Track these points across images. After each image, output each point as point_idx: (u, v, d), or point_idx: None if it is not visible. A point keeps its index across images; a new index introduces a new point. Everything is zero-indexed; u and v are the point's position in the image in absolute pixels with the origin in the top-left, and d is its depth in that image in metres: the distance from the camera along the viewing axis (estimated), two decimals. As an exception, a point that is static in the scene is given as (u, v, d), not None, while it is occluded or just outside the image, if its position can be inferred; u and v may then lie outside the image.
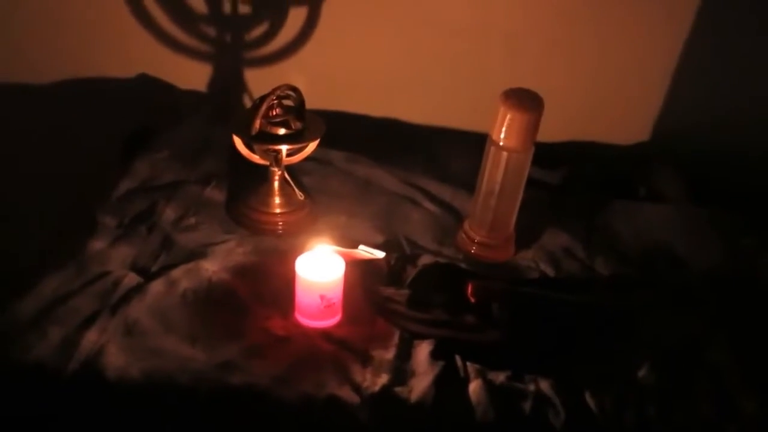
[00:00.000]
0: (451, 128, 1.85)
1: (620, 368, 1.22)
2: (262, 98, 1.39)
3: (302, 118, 1.42)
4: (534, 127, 1.33)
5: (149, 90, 1.85)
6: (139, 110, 1.80)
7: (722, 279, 1.40)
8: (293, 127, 1.41)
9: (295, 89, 1.42)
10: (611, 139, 1.83)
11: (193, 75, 1.83)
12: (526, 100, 1.32)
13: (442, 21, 1.74)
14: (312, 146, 1.46)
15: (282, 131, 1.40)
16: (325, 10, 1.75)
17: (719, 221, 1.51)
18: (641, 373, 1.21)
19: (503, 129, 1.33)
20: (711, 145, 1.75)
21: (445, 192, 1.59)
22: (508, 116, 1.32)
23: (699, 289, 1.38)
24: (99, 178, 1.60)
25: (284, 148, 1.40)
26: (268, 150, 1.42)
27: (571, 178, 1.64)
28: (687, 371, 1.23)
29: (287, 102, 1.42)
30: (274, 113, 1.40)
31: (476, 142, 1.75)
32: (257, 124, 1.38)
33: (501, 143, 1.34)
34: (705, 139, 1.76)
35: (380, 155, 1.68)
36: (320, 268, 1.25)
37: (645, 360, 1.22)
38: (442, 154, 1.71)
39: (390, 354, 1.21)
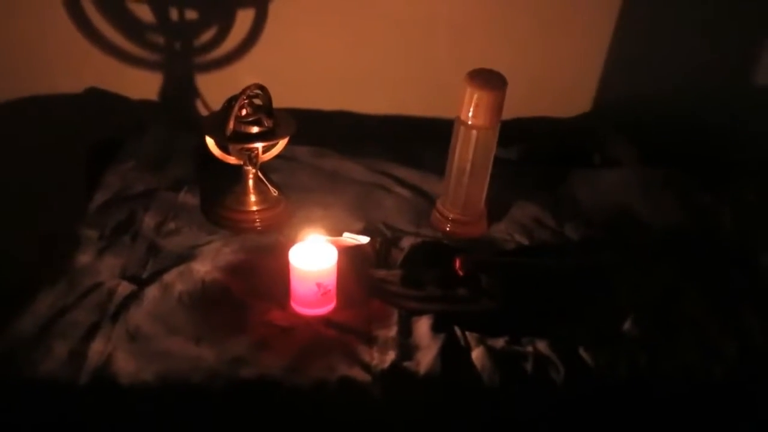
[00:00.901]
0: (404, 116, 1.89)
1: (605, 324, 1.29)
2: (233, 99, 1.41)
3: (272, 116, 1.45)
4: (500, 104, 1.40)
5: (100, 103, 1.83)
6: (92, 124, 1.80)
7: (682, 235, 1.49)
8: (266, 125, 1.43)
9: (262, 88, 1.44)
10: (555, 113, 1.91)
11: (144, 85, 1.83)
12: (491, 80, 1.38)
13: (388, 13, 1.79)
14: (283, 143, 1.49)
15: (255, 130, 1.43)
16: (272, 10, 1.77)
17: (674, 181, 1.61)
18: (625, 326, 1.28)
19: (471, 108, 1.39)
20: (647, 113, 1.85)
21: (413, 176, 1.64)
22: (476, 95, 1.38)
23: (663, 245, 1.46)
24: (64, 192, 1.60)
25: (260, 146, 1.43)
26: (243, 149, 1.44)
27: (527, 152, 1.72)
28: (667, 322, 1.31)
29: (257, 101, 1.44)
30: (245, 113, 1.42)
31: (431, 128, 1.83)
32: (231, 124, 1.40)
33: (470, 122, 1.40)
34: (642, 108, 1.85)
35: (342, 147, 1.72)
36: (314, 257, 1.28)
37: (627, 315, 1.30)
38: (401, 142, 1.76)
39: (392, 332, 1.25)
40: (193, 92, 1.85)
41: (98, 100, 1.83)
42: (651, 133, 1.78)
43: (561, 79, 1.87)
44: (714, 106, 1.83)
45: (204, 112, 1.86)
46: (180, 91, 1.85)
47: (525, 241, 1.48)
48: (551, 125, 1.88)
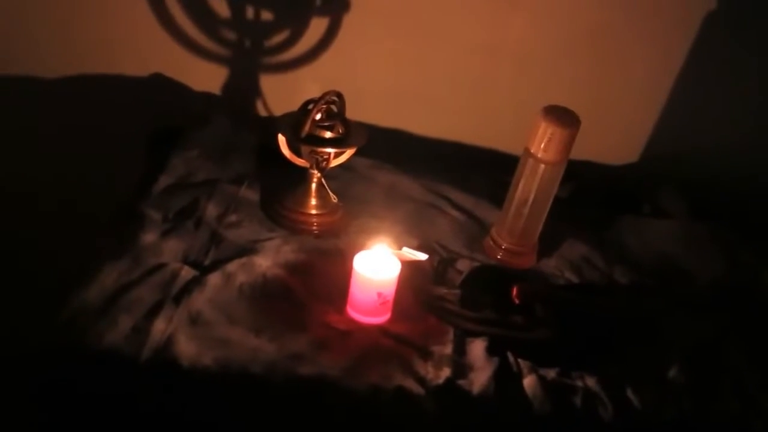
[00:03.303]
0: (456, 141, 1.92)
1: (652, 367, 1.32)
2: (311, 102, 1.44)
3: (346, 124, 1.48)
4: (571, 142, 1.43)
5: (162, 89, 1.85)
6: (152, 109, 1.82)
7: (727, 289, 1.52)
8: (339, 131, 1.46)
9: (339, 95, 1.47)
10: (604, 159, 1.94)
11: (207, 77, 1.85)
12: (566, 117, 1.42)
13: (455, 40, 1.82)
14: (351, 152, 1.52)
15: (328, 135, 1.45)
16: (345, 23, 1.80)
17: (719, 237, 1.65)
18: (671, 373, 1.31)
19: (543, 142, 1.42)
20: (696, 170, 1.88)
21: (467, 201, 1.67)
22: (550, 131, 1.41)
23: (708, 297, 1.49)
24: (124, 173, 1.62)
25: (332, 151, 1.45)
26: (314, 152, 1.46)
27: (579, 193, 1.75)
28: (711, 372, 1.33)
29: (333, 107, 1.46)
30: (321, 117, 1.45)
31: (484, 157, 1.86)
32: (307, 126, 1.42)
33: (540, 155, 1.43)
34: (691, 164, 1.89)
35: (398, 164, 1.74)
36: (378, 266, 1.30)
37: (672, 361, 1.32)
38: (456, 166, 1.79)
39: (448, 349, 1.28)
40: (255, 91, 1.87)
41: (161, 86, 1.85)
42: (698, 189, 1.81)
43: (614, 126, 1.90)
44: (763, 169, 1.86)
45: (263, 112, 1.88)
46: (242, 88, 1.87)
47: (574, 279, 1.51)
48: (600, 171, 1.91)
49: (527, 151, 1.45)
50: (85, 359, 1.14)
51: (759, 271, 1.58)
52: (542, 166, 1.44)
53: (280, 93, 1.86)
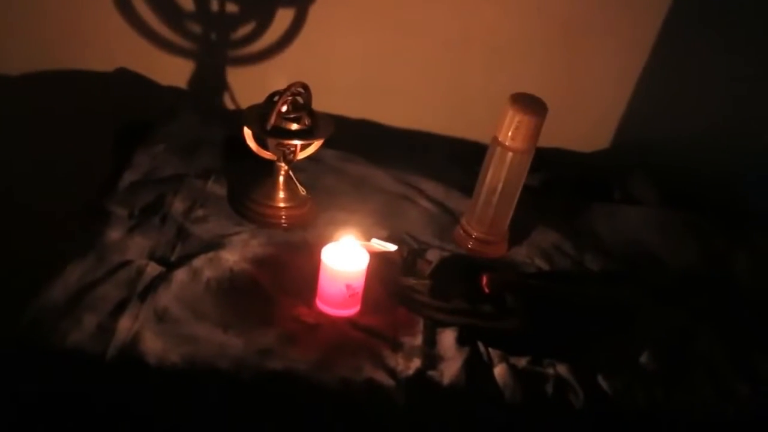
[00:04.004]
0: (426, 132, 1.91)
1: (623, 355, 1.32)
2: (277, 93, 1.43)
3: (312, 116, 1.46)
4: (539, 130, 1.42)
5: (128, 84, 1.83)
6: (119, 104, 1.80)
7: (699, 277, 1.53)
8: (306, 123, 1.45)
9: (305, 87, 1.46)
10: (575, 146, 1.94)
11: (174, 71, 1.84)
12: (533, 104, 1.41)
13: (427, 30, 1.81)
14: (318, 143, 1.51)
15: (295, 127, 1.44)
16: (312, 14, 1.79)
17: (691, 223, 1.65)
18: (643, 359, 1.31)
19: (510, 130, 1.41)
20: (665, 157, 1.89)
21: (438, 191, 1.66)
22: (517, 118, 1.40)
23: (681, 285, 1.49)
24: (90, 170, 1.60)
25: (299, 143, 1.44)
26: (281, 145, 1.45)
27: (549, 181, 1.74)
28: (682, 359, 1.33)
29: (299, 99, 1.45)
30: (287, 109, 1.43)
31: (456, 147, 1.85)
32: (273, 119, 1.41)
33: (507, 144, 1.42)
34: (660, 152, 1.89)
35: (368, 155, 1.73)
36: (346, 259, 1.29)
37: (643, 348, 1.32)
38: (428, 157, 1.78)
39: (418, 340, 1.27)
40: (222, 85, 1.85)
41: (127, 80, 1.83)
42: (667, 176, 1.81)
43: (584, 114, 1.90)
44: (732, 157, 1.87)
45: (230, 105, 1.86)
46: (209, 82, 1.85)
47: (545, 266, 1.51)
48: (570, 158, 1.90)
49: (495, 139, 1.45)
50: (48, 359, 1.12)
51: (730, 257, 1.58)
52: (510, 154, 1.43)
53: (248, 86, 1.84)
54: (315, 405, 1.16)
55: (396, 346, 1.25)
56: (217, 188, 1.55)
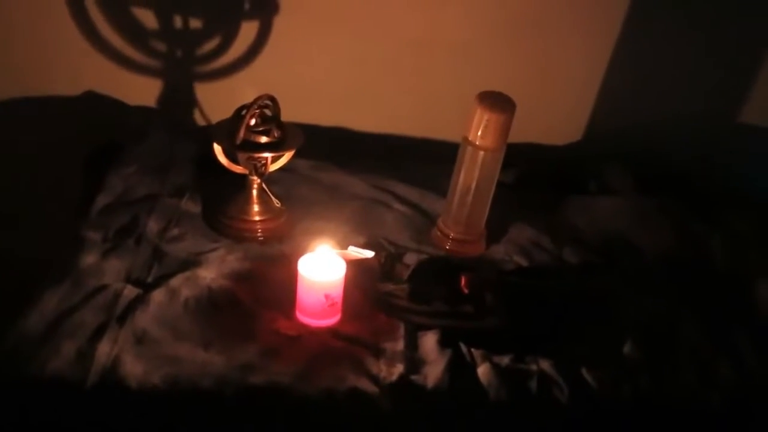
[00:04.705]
0: (400, 135, 1.92)
1: (606, 346, 1.32)
2: (244, 108, 1.42)
3: (281, 127, 1.46)
4: (508, 127, 1.43)
5: (97, 107, 1.83)
6: (88, 127, 1.79)
7: (677, 262, 1.53)
8: (275, 135, 1.44)
9: (273, 99, 1.45)
10: (547, 140, 1.95)
11: (142, 91, 1.83)
12: (501, 102, 1.41)
13: (390, 32, 1.81)
14: (289, 155, 1.50)
15: (264, 140, 1.44)
16: (276, 24, 1.79)
17: (667, 209, 1.65)
18: (626, 349, 1.31)
19: (480, 129, 1.41)
20: (636, 145, 1.89)
21: (412, 194, 1.66)
22: (486, 117, 1.40)
23: (659, 271, 1.50)
24: (62, 195, 1.59)
25: (269, 156, 1.44)
26: (251, 158, 1.45)
27: (523, 177, 1.75)
28: (664, 346, 1.34)
29: (267, 111, 1.45)
30: (255, 122, 1.43)
31: (426, 147, 1.85)
32: (242, 133, 1.41)
33: (477, 143, 1.42)
34: (631, 140, 1.90)
35: (340, 163, 1.73)
36: (323, 268, 1.29)
37: (626, 338, 1.32)
38: (399, 160, 1.78)
39: (399, 345, 1.27)
40: (192, 101, 1.85)
41: (95, 103, 1.83)
42: (642, 164, 1.82)
43: (555, 107, 1.91)
44: (705, 140, 1.88)
45: (201, 121, 1.86)
46: (178, 99, 1.85)
47: (524, 263, 1.51)
48: (544, 152, 1.91)
49: (465, 139, 1.45)
50: (27, 390, 1.11)
51: (707, 240, 1.58)
52: (481, 153, 1.44)
53: (218, 100, 1.84)
54: (299, 417, 1.15)
55: (378, 353, 1.25)
56: (191, 206, 1.54)
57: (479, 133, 1.42)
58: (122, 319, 1.24)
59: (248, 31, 1.79)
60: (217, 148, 1.47)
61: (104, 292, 1.29)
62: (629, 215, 1.63)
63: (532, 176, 1.77)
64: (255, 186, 1.50)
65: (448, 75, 1.85)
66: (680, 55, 1.84)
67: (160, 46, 1.79)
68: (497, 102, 1.42)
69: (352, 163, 1.74)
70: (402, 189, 1.67)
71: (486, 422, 1.19)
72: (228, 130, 1.43)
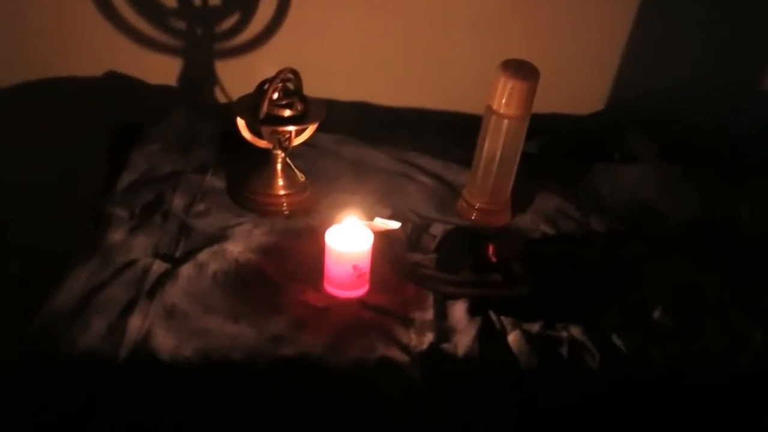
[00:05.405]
0: (421, 108, 1.90)
1: (635, 312, 1.31)
2: (267, 81, 1.42)
3: (304, 101, 1.46)
4: (532, 95, 1.41)
5: (118, 87, 1.83)
6: (110, 108, 1.79)
7: (704, 227, 1.52)
8: (298, 109, 1.44)
9: (295, 72, 1.45)
10: (569, 110, 1.93)
11: (163, 70, 1.83)
12: (525, 70, 1.40)
13: (410, 6, 1.80)
14: (313, 128, 1.50)
15: (287, 113, 1.43)
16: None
17: (692, 175, 1.65)
18: (655, 315, 1.30)
19: (504, 98, 1.40)
20: (661, 112, 1.88)
21: (435, 165, 1.66)
22: (509, 85, 1.39)
23: (685, 237, 1.49)
24: (87, 175, 1.60)
25: (293, 129, 1.43)
26: (275, 132, 1.44)
27: (548, 146, 1.74)
28: (694, 311, 1.33)
29: (289, 85, 1.44)
30: (278, 96, 1.43)
31: (449, 120, 1.84)
32: (265, 107, 1.40)
33: (502, 111, 1.41)
34: (656, 106, 1.88)
35: (363, 136, 1.72)
36: (350, 240, 1.29)
37: (655, 304, 1.32)
38: (421, 132, 1.77)
39: (429, 315, 1.26)
40: (212, 79, 1.84)
41: (117, 84, 1.82)
42: (665, 131, 1.80)
43: (576, 76, 1.89)
44: (725, 107, 1.86)
45: (222, 99, 1.85)
46: (199, 77, 1.84)
47: (551, 231, 1.50)
48: (567, 122, 1.89)
49: (489, 108, 1.44)
50: (60, 367, 1.12)
51: (734, 204, 1.57)
52: (506, 121, 1.43)
53: (238, 77, 1.82)
54: (330, 388, 1.15)
55: (407, 323, 1.25)
56: (215, 182, 1.54)
57: (503, 101, 1.41)
58: (152, 294, 1.25)
59: (267, 7, 1.78)
60: (241, 123, 1.46)
61: (133, 267, 1.29)
62: (655, 182, 1.63)
63: (556, 146, 1.76)
64: (279, 160, 1.49)
65: (467, 45, 1.84)
66: (702, 20, 1.82)
67: (180, 25, 1.79)
68: (521, 69, 1.41)
69: (373, 136, 1.73)
70: (425, 161, 1.66)
71: (517, 389, 1.18)
72: (251, 105, 1.43)
